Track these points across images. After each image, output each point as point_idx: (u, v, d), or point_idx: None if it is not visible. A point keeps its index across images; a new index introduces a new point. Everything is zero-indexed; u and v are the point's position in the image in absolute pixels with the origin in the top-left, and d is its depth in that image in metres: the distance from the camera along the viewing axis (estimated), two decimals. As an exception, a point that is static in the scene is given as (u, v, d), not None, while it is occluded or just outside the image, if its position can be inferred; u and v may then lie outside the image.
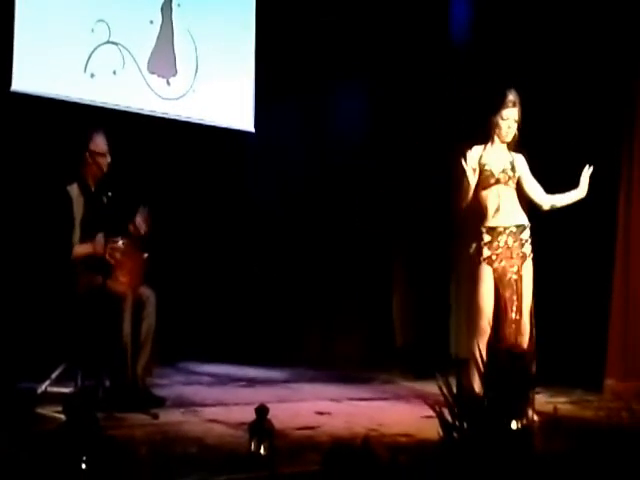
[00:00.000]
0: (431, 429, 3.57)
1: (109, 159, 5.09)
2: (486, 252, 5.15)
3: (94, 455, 3.30)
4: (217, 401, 5.38)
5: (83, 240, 4.95)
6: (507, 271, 5.14)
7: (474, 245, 5.24)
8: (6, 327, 5.65)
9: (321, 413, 5.07)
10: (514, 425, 3.44)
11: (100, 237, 4.82)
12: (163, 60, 6.82)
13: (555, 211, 5.31)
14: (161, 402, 4.91)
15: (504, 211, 5.17)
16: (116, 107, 6.47)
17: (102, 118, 6.02)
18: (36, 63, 6.13)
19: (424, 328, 7.41)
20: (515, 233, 5.17)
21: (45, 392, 4.78)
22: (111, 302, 4.75)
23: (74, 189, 5.00)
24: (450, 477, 3.23)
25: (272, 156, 7.41)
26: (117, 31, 6.54)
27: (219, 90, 7.07)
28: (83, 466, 3.26)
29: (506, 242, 5.16)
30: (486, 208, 5.19)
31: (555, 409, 4.22)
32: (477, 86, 6.65)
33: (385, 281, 7.72)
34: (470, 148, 5.24)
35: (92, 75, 6.42)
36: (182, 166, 7.01)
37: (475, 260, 5.21)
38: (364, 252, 7.61)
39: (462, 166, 5.12)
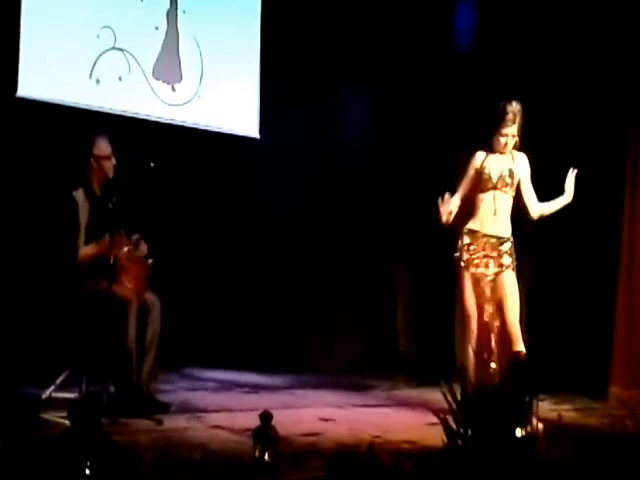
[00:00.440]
0: (435, 436, 3.57)
1: (114, 162, 5.08)
2: (465, 255, 5.22)
3: (98, 460, 3.30)
4: (221, 407, 5.39)
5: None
6: (480, 278, 5.18)
7: (457, 246, 5.28)
8: (11, 332, 5.66)
9: (325, 420, 5.06)
10: (518, 432, 3.43)
11: (106, 237, 4.82)
12: (168, 66, 6.84)
13: (559, 218, 5.32)
14: (165, 408, 4.91)
15: (492, 218, 5.22)
16: (122, 113, 6.49)
17: (107, 124, 6.03)
18: (41, 69, 6.16)
19: (428, 334, 7.41)
20: (494, 244, 5.21)
21: (50, 397, 4.79)
22: (116, 307, 4.76)
23: (80, 194, 5.01)
24: (454, 484, 3.23)
25: (277, 162, 7.41)
26: (122, 37, 6.56)
27: (224, 96, 7.09)
28: (87, 471, 3.26)
29: (484, 249, 5.20)
30: (478, 210, 5.24)
31: (559, 416, 4.21)
32: (479, 91, 6.66)
33: (388, 287, 7.72)
34: (474, 154, 5.29)
35: (97, 81, 6.44)
36: (186, 172, 7.01)
37: (457, 263, 5.26)
38: (367, 258, 7.61)
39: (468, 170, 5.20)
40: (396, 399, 6.06)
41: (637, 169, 6.23)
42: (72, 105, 6.27)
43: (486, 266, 5.20)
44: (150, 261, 5.09)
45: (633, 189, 6.21)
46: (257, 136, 7.23)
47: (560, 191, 5.26)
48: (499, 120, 5.16)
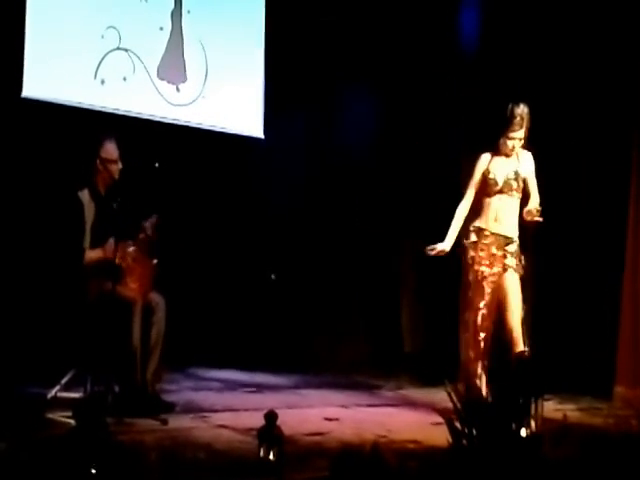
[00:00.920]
0: (440, 436, 3.57)
1: (120, 166, 5.09)
2: (471, 252, 5.22)
3: (103, 460, 3.31)
4: (226, 407, 5.39)
5: (93, 245, 4.96)
6: (484, 277, 5.18)
7: (463, 244, 5.29)
8: (17, 332, 5.67)
9: (330, 419, 5.07)
10: (523, 432, 3.44)
11: (111, 242, 4.83)
12: (173, 66, 6.84)
13: (565, 216, 5.32)
14: (170, 408, 4.91)
15: (498, 219, 5.22)
16: (126, 113, 6.49)
17: (112, 124, 6.04)
18: (46, 69, 6.16)
19: (432, 334, 7.40)
20: (500, 243, 5.20)
21: (55, 397, 4.80)
22: (121, 308, 4.77)
23: (85, 195, 5.02)
24: (459, 484, 3.23)
25: (281, 162, 7.42)
26: (127, 37, 6.56)
27: (229, 96, 7.09)
28: (92, 471, 3.27)
29: (489, 247, 5.19)
30: (484, 211, 5.24)
31: (564, 416, 4.21)
32: (483, 93, 6.66)
33: (393, 287, 7.72)
34: (479, 156, 5.28)
35: (102, 81, 6.44)
36: (191, 172, 7.02)
37: (462, 259, 5.27)
38: (372, 258, 7.61)
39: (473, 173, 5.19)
40: (401, 399, 6.06)
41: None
42: (77, 105, 6.27)
43: (490, 265, 5.20)
44: (155, 261, 5.10)
45: (638, 190, 6.20)
46: (261, 136, 7.23)
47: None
48: (507, 123, 5.13)
